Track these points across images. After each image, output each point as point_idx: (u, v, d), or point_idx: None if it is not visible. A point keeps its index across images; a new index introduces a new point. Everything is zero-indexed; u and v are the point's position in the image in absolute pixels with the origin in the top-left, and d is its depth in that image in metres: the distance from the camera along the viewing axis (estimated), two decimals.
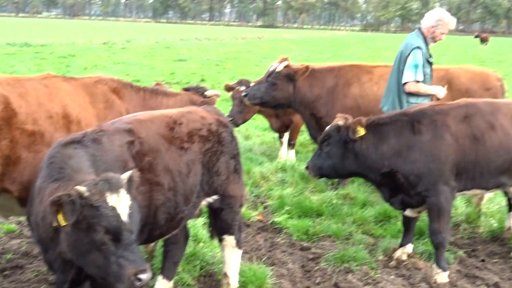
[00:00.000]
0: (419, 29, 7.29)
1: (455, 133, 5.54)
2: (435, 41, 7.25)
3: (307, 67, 8.17)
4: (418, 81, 6.98)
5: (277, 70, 8.20)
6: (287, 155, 10.32)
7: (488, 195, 7.15)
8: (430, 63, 7.24)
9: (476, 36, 66.71)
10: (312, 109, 8.21)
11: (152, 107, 5.71)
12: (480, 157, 5.61)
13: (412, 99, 7.02)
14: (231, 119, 8.43)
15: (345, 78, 8.17)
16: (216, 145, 4.78)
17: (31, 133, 4.70)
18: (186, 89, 6.69)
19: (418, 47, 6.99)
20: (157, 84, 6.83)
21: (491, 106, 5.90)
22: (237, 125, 9.32)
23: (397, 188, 5.65)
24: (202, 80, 21.06)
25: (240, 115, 9.25)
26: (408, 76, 6.94)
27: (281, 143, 10.50)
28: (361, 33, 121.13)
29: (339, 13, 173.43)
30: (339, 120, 5.64)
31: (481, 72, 8.60)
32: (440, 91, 7.14)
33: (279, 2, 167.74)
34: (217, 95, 6.76)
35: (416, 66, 6.94)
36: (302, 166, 9.20)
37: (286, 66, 8.21)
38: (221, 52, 38.77)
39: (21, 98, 4.74)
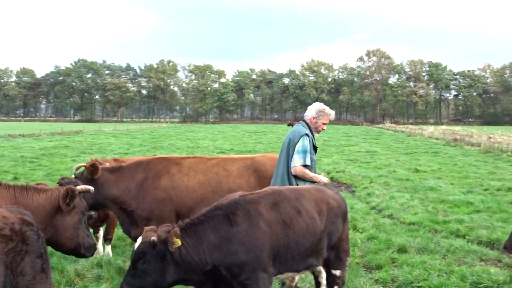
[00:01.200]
0: (304, 120, 7.81)
1: (268, 220, 5.68)
2: (318, 132, 7.81)
3: (93, 165, 8.06)
4: (306, 166, 7.38)
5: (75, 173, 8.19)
6: (103, 250, 10.02)
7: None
8: (316, 149, 7.72)
9: (289, 124, 69.59)
10: (121, 204, 8.10)
11: (24, 203, 5.70)
12: (291, 241, 5.81)
13: (300, 183, 7.31)
14: None
15: (154, 170, 8.22)
16: (20, 245, 4.57)
17: None
18: (60, 184, 6.71)
19: (307, 134, 7.49)
20: (39, 183, 6.63)
21: (295, 192, 6.21)
22: None
23: (219, 283, 5.61)
24: (15, 178, 20.05)
25: None
26: (297, 160, 7.34)
27: (97, 238, 10.18)
28: (181, 124, 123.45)
29: (158, 106, 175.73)
30: (150, 235, 5.30)
31: None
32: (324, 179, 7.51)
33: (97, 96, 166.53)
34: (89, 191, 6.57)
35: (304, 152, 7.37)
36: (119, 261, 8.95)
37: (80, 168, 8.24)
38: (36, 148, 37.39)
39: None
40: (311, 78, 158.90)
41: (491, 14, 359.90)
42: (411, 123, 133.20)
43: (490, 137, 51.20)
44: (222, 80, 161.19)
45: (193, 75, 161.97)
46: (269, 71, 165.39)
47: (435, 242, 10.63)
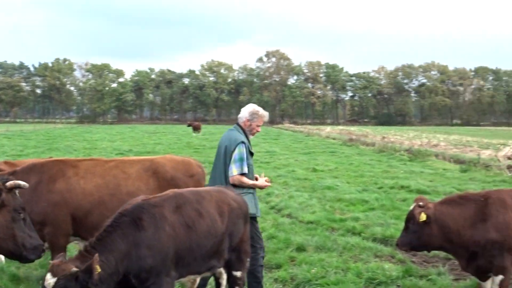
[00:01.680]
0: (237, 124, 7.70)
1: (172, 224, 5.63)
2: (253, 134, 7.75)
3: None
4: (243, 174, 7.30)
5: None
6: None
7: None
8: (252, 154, 7.62)
9: (189, 125, 70.16)
10: None
11: None
12: (194, 244, 5.80)
13: (238, 191, 7.14)
14: None
15: (49, 173, 7.91)
16: None
17: None
18: None
19: (243, 142, 7.36)
20: None
21: (196, 194, 6.21)
22: None
23: None
24: None
25: None
26: (234, 170, 7.26)
27: None
28: (77, 125, 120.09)
29: (54, 106, 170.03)
30: (67, 267, 4.89)
31: (183, 160, 9.01)
32: (264, 184, 7.54)
33: None
34: (21, 186, 6.02)
35: (241, 160, 7.29)
36: (12, 267, 8.58)
37: None
38: None
39: None
40: (211, 79, 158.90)
41: (385, 16, 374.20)
42: (310, 124, 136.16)
43: (384, 137, 53.13)
44: (121, 79, 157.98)
45: (91, 74, 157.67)
46: (169, 71, 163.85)
47: (332, 240, 10.90)
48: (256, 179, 7.66)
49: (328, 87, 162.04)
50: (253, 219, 7.41)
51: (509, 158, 30.42)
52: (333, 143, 49.02)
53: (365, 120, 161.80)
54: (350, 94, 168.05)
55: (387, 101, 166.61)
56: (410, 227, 7.01)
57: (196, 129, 63.87)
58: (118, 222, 5.46)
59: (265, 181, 7.66)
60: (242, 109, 7.88)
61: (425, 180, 21.37)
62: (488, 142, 49.61)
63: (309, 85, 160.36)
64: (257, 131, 7.86)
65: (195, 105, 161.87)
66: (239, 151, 7.36)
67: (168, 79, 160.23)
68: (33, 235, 6.02)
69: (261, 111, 7.81)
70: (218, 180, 7.52)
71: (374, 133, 66.81)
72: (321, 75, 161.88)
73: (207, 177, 8.37)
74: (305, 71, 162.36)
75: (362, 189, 18.41)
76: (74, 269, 4.90)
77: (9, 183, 5.96)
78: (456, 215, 6.85)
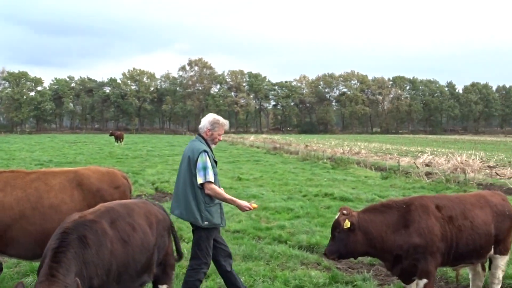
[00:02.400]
0: (199, 134, 7.73)
1: (111, 239, 5.48)
2: (215, 143, 7.78)
3: None
4: (210, 182, 7.30)
5: None
6: None
7: None
8: (216, 163, 7.64)
9: (111, 135, 69.03)
10: None
11: None
12: (130, 259, 5.65)
13: (207, 199, 7.31)
14: None
15: None
16: None
17: None
18: None
19: (205, 151, 7.38)
20: None
21: (126, 207, 6.08)
22: None
23: None
24: None
25: None
26: (198, 179, 7.26)
27: None
28: None
29: None
30: None
31: (108, 171, 8.83)
32: (245, 204, 7.48)
33: None
34: None
35: (204, 169, 7.29)
36: None
37: None
38: None
39: None
40: (133, 87, 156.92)
41: (306, 26, 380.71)
42: (233, 132, 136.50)
43: (307, 145, 53.96)
44: (39, 88, 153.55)
45: (7, 82, 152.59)
46: (89, 79, 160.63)
47: (259, 249, 10.93)
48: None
49: (251, 96, 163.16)
50: (216, 229, 7.54)
51: (427, 165, 31.53)
52: (257, 152, 49.34)
53: (288, 128, 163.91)
54: (273, 103, 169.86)
55: (309, 110, 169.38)
56: (336, 236, 7.16)
57: (119, 138, 62.85)
58: (67, 241, 5.16)
59: (250, 205, 7.58)
60: (203, 120, 7.91)
61: (348, 187, 21.78)
62: (407, 150, 51.22)
63: (232, 94, 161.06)
64: (219, 140, 7.92)
65: (117, 114, 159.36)
66: (202, 160, 7.36)
67: (88, 88, 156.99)
68: None
69: (221, 120, 7.89)
70: (183, 192, 7.45)
71: (297, 142, 67.72)
72: (244, 84, 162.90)
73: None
74: (228, 80, 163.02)
75: (287, 197, 18.56)
76: None
77: None
78: (378, 222, 7.05)
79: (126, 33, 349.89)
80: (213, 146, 7.82)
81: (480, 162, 32.31)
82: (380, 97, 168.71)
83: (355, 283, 8.72)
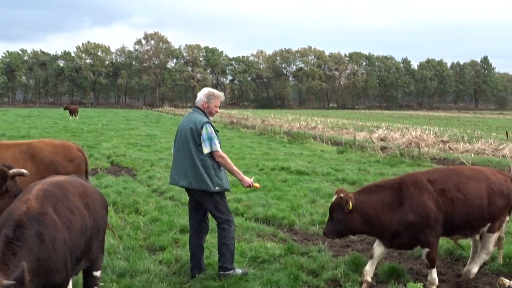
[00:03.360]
0: (196, 107, 7.85)
1: (61, 229, 5.07)
2: (212, 115, 7.89)
3: None
4: (218, 151, 7.52)
5: None
6: None
7: None
8: (217, 132, 7.79)
9: (65, 108, 67.97)
10: None
11: None
12: (74, 246, 5.24)
13: (216, 165, 7.52)
14: None
15: None
16: None
17: None
18: None
19: (208, 122, 7.58)
20: None
21: (60, 188, 5.53)
22: None
23: None
24: None
25: None
26: (204, 149, 7.45)
27: None
28: None
29: None
30: None
31: (63, 144, 8.70)
32: (249, 181, 7.70)
33: None
34: (22, 174, 6.25)
35: (210, 139, 7.48)
36: None
37: None
38: None
39: None
40: (87, 61, 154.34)
41: (264, 1, 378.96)
42: (190, 107, 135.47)
43: (264, 120, 54.05)
44: None
45: None
46: (42, 52, 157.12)
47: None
48: None
49: (208, 71, 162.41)
50: (223, 193, 7.75)
51: (382, 140, 31.97)
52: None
53: (245, 103, 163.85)
54: (230, 78, 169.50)
55: (266, 85, 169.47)
56: (335, 217, 7.40)
57: (73, 112, 61.89)
58: (24, 236, 4.71)
59: (253, 183, 7.80)
60: (198, 94, 8.02)
61: (304, 161, 21.93)
62: (362, 125, 51.79)
63: (189, 68, 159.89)
64: (217, 112, 8.01)
65: (71, 88, 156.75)
66: (206, 131, 7.52)
67: (42, 61, 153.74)
68: None
69: (216, 92, 7.97)
70: (188, 163, 7.57)
71: (254, 116, 67.78)
72: (200, 58, 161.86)
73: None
74: (185, 54, 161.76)
75: (244, 171, 18.49)
76: (5, 281, 4.26)
77: (12, 171, 6.20)
78: (374, 202, 7.30)
79: (81, 6, 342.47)
80: (211, 118, 7.90)
81: (434, 137, 32.92)
82: (337, 73, 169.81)
83: (310, 254, 8.82)
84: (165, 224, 10.72)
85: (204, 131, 7.50)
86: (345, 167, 20.03)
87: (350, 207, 7.21)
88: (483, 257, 7.64)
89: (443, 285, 7.61)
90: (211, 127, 7.59)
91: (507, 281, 6.87)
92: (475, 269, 7.57)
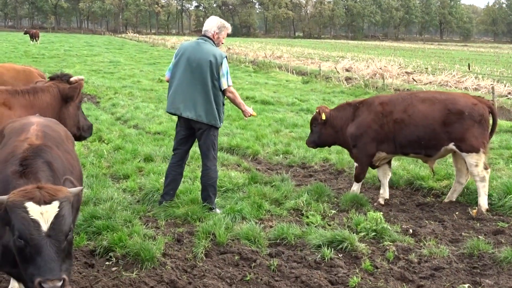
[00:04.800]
0: (206, 36, 7.62)
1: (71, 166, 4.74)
2: (218, 46, 7.76)
3: None
4: (230, 85, 7.59)
5: None
6: None
7: None
8: None
9: (26, 33, 66.25)
10: None
11: (37, 105, 6.30)
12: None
13: (223, 101, 7.64)
14: None
15: None
16: None
17: None
18: (52, 78, 6.87)
19: (226, 57, 7.54)
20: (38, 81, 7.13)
21: (55, 131, 4.98)
22: None
23: None
24: None
25: None
26: (224, 82, 7.43)
27: None
28: None
29: None
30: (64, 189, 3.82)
31: (24, 70, 8.51)
32: (251, 111, 7.99)
33: None
34: (82, 80, 6.93)
35: (228, 73, 7.51)
36: None
37: None
38: None
39: None
40: None
41: None
42: (154, 33, 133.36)
43: (229, 48, 53.46)
44: None
45: None
46: None
47: None
48: None
49: None
50: (216, 129, 7.75)
51: (347, 70, 32.03)
52: None
53: None
54: (195, 4, 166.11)
55: (232, 12, 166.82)
56: (313, 129, 8.79)
57: (34, 37, 60.28)
58: (37, 164, 4.18)
59: (252, 111, 8.05)
60: (208, 22, 7.80)
61: (269, 91, 21.94)
62: (328, 55, 51.65)
63: None
64: (222, 43, 7.92)
65: (31, 12, 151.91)
66: (226, 65, 7.51)
67: None
68: (86, 118, 7.21)
69: (226, 23, 7.86)
70: (199, 92, 7.41)
71: None
72: None
73: None
74: None
75: None
76: (73, 189, 3.90)
77: (73, 79, 6.83)
78: (340, 117, 8.50)
79: None
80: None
81: (398, 68, 33.11)
82: (304, 1, 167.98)
83: (273, 183, 8.91)
84: (129, 152, 10.69)
85: (224, 65, 7.45)
86: (310, 97, 20.11)
87: (324, 118, 8.45)
88: (478, 185, 7.81)
89: (403, 214, 7.81)
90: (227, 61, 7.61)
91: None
92: (483, 201, 7.78)
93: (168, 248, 6.29)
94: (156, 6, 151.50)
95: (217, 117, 7.53)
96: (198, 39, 7.79)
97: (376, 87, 23.61)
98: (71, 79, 6.80)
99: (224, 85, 7.46)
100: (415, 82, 26.63)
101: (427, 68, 35.38)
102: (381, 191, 8.44)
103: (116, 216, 7.04)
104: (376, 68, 31.84)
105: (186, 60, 7.48)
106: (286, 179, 9.13)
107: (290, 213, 7.73)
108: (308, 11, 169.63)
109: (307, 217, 7.43)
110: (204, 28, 7.76)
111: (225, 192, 8.50)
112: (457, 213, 7.81)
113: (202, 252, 6.18)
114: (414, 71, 33.08)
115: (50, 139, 4.66)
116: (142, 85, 22.60)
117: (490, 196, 7.96)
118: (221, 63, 7.40)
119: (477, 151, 7.66)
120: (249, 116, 8.05)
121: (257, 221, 7.19)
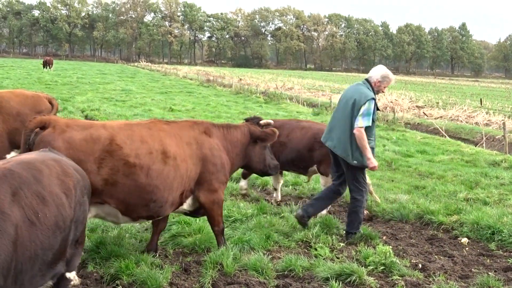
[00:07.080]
0: (367, 80, 8.07)
1: (16, 222, 3.80)
2: (378, 93, 8.13)
3: None
4: (361, 127, 7.69)
5: None
6: None
7: None
8: (378, 109, 8.21)
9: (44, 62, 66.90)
10: None
11: (229, 139, 7.18)
12: (38, 248, 4.00)
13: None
14: None
15: None
16: None
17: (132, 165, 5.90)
18: (246, 120, 7.87)
19: (373, 98, 7.79)
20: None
21: (31, 168, 4.22)
22: None
23: None
24: None
25: None
26: (360, 122, 7.67)
27: None
28: None
29: None
30: None
31: (33, 96, 8.52)
32: (374, 164, 7.79)
33: None
34: (270, 124, 7.73)
35: (368, 115, 7.71)
36: None
37: None
38: None
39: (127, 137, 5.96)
40: (63, 12, 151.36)
41: None
42: (166, 63, 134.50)
43: (240, 79, 53.81)
44: None
45: None
46: (17, 1, 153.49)
47: None
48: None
49: (186, 27, 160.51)
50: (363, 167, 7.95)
51: None
52: (190, 83, 48.88)
53: (223, 61, 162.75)
54: (207, 35, 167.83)
55: (244, 43, 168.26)
56: None
57: (48, 64, 60.86)
58: None
59: (375, 165, 7.92)
60: (374, 69, 8.24)
61: None
62: (339, 87, 51.79)
63: (166, 23, 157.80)
64: (383, 92, 8.49)
65: (46, 39, 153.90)
66: (369, 106, 7.73)
67: (16, 10, 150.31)
68: (273, 157, 7.84)
69: (391, 75, 8.20)
70: (341, 128, 7.92)
71: (231, 75, 67.39)
72: (178, 13, 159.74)
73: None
74: (162, 9, 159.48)
75: None
76: None
77: (263, 122, 7.71)
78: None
79: None
80: (376, 96, 8.09)
81: (409, 102, 33.14)
82: (315, 34, 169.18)
83: (282, 214, 8.86)
84: None
85: (366, 106, 7.71)
86: None
87: None
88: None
89: (412, 248, 7.73)
90: (374, 105, 7.81)
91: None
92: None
93: (175, 278, 6.23)
94: (169, 36, 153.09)
95: (350, 154, 7.83)
96: (361, 81, 8.28)
97: (387, 120, 23.59)
98: (261, 122, 7.69)
99: (359, 124, 7.71)
100: (426, 116, 26.62)
101: (438, 103, 35.39)
102: (274, 195, 10.25)
103: (124, 243, 7.00)
104: (387, 101, 31.88)
105: (342, 98, 8.23)
106: (295, 211, 9.08)
107: (299, 244, 7.66)
108: (320, 44, 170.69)
109: (316, 249, 7.36)
110: (369, 74, 8.22)
111: (233, 222, 8.44)
112: (467, 248, 7.74)
113: (209, 282, 6.10)
114: (425, 105, 33.10)
115: (10, 181, 3.90)
116: (153, 114, 22.70)
117: (500, 232, 7.89)
118: (364, 103, 7.72)
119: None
120: (371, 169, 8.02)
121: (265, 252, 7.12)
